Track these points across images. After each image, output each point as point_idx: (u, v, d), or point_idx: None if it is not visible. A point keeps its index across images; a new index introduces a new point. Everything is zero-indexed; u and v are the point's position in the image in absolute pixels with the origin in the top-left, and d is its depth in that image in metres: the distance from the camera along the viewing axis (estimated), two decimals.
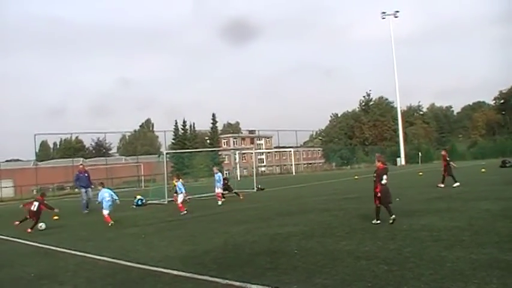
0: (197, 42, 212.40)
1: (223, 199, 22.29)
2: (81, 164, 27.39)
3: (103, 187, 17.36)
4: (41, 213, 16.85)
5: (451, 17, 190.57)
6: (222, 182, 22.91)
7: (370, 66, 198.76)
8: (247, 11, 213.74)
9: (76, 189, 25.15)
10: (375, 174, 12.26)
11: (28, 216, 16.78)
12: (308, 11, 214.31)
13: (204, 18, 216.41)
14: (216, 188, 22.50)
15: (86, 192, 24.48)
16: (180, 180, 20.81)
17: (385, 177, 12.07)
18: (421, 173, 35.91)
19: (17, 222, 16.89)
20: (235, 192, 24.64)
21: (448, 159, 22.86)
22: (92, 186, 24.72)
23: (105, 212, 16.63)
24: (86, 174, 25.13)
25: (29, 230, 16.13)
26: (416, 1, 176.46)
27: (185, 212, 18.49)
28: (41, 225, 16.49)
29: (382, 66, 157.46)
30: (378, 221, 11.97)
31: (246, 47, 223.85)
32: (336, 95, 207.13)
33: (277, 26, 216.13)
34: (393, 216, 11.73)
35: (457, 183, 21.14)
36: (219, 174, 23.21)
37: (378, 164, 12.65)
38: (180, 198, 19.65)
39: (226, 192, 24.15)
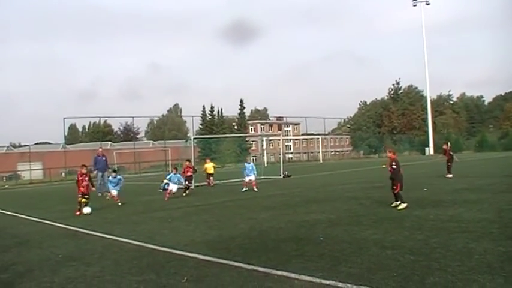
0: (227, 28, 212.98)
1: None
2: (100, 148, 27.74)
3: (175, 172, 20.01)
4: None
5: (483, 5, 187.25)
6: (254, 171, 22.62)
7: (401, 54, 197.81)
8: None
9: (95, 172, 25.39)
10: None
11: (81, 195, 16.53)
12: None
13: (235, 4, 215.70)
14: (248, 177, 22.36)
15: (102, 175, 24.86)
16: (175, 171, 21.46)
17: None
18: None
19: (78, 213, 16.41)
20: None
21: (451, 153, 24.29)
22: (109, 170, 25.07)
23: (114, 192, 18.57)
24: (104, 158, 25.59)
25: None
26: None
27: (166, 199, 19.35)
28: (87, 210, 16.37)
29: (413, 54, 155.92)
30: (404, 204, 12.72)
31: (276, 33, 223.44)
32: (366, 83, 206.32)
33: (308, 13, 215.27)
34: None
35: (451, 175, 22.45)
36: (252, 164, 23.18)
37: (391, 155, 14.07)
38: (174, 188, 20.31)
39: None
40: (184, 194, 21.24)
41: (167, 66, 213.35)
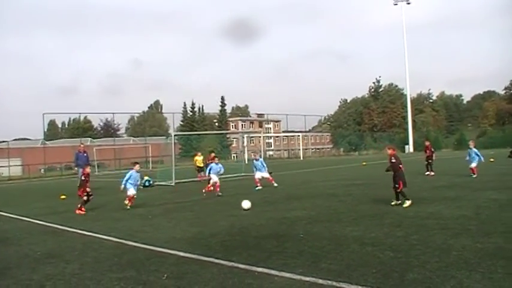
0: (209, 25, 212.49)
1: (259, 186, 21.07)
2: (81, 144, 27.52)
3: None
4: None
5: (464, 5, 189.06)
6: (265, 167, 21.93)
7: (382, 52, 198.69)
8: None
9: (76, 168, 25.22)
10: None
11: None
12: None
13: (218, 1, 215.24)
14: (259, 172, 21.68)
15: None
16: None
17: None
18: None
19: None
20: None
21: (433, 149, 24.52)
22: (90, 167, 24.85)
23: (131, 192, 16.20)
24: (85, 154, 25.35)
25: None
26: None
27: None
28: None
29: (394, 53, 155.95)
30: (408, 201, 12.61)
31: (258, 31, 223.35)
32: (347, 80, 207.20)
33: (290, 11, 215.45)
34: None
35: (432, 173, 22.89)
36: (261, 159, 22.37)
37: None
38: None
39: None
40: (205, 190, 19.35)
41: (149, 63, 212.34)
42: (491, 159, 31.19)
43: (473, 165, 20.00)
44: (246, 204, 13.73)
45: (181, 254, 8.21)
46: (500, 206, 11.73)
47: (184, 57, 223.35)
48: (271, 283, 6.22)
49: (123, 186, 16.18)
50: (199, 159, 28.31)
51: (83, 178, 16.46)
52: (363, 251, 7.63)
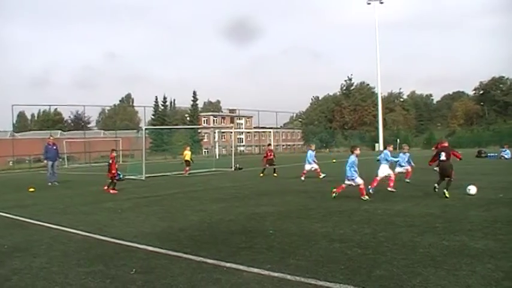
0: (183, 18, 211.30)
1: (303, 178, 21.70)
2: (50, 137, 27.14)
3: None
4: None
5: (436, 6, 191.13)
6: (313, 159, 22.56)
7: (355, 51, 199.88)
8: None
9: (45, 161, 24.96)
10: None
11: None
12: None
13: None
14: (308, 165, 22.33)
15: (52, 165, 24.38)
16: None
17: (443, 153, 14.01)
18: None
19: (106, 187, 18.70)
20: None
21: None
22: (60, 160, 24.64)
23: None
24: (55, 147, 25.04)
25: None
26: None
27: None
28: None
29: (366, 51, 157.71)
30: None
31: (232, 26, 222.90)
32: (319, 78, 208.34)
33: (263, 7, 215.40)
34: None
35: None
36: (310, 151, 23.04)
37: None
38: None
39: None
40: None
41: (121, 56, 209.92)
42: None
43: (399, 170, 19.34)
44: (473, 189, 13.91)
45: (150, 248, 8.16)
46: (466, 205, 11.92)
47: (156, 51, 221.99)
48: (240, 278, 6.22)
49: None
50: (188, 153, 28.36)
51: (112, 161, 19.07)
52: (332, 248, 7.69)
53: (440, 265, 6.40)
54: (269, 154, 25.62)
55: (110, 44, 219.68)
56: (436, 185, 14.08)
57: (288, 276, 6.16)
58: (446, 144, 14.79)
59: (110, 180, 18.66)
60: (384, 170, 16.06)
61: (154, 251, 7.99)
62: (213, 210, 12.69)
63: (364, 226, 9.45)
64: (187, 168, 27.67)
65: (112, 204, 15.03)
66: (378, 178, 15.67)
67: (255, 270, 6.53)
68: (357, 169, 13.76)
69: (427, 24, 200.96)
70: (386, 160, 16.37)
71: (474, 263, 6.46)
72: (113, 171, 18.81)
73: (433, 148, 24.56)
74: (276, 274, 6.29)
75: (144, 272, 6.66)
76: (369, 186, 14.84)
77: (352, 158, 13.80)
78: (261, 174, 24.76)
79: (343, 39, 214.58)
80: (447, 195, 13.15)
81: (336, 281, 5.92)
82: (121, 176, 25.32)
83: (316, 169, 22.23)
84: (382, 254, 7.09)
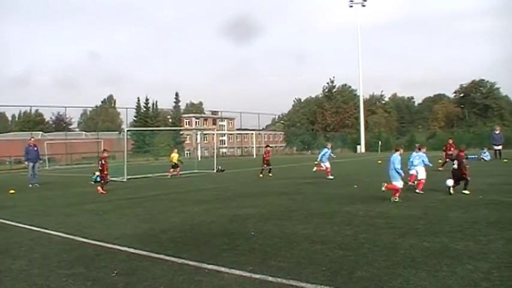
0: (167, 19, 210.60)
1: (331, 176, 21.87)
2: (31, 138, 26.92)
3: None
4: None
5: (418, 9, 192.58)
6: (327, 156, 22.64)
7: (337, 53, 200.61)
8: None
9: (26, 163, 24.85)
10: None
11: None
12: None
13: None
14: (323, 163, 22.40)
15: (33, 166, 24.21)
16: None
17: (456, 162, 14.95)
18: (380, 161, 36.30)
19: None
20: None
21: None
22: (41, 161, 24.49)
23: None
24: (36, 148, 24.86)
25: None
26: None
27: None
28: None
29: (349, 54, 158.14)
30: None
31: (215, 28, 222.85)
32: (301, 80, 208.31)
33: (247, 9, 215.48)
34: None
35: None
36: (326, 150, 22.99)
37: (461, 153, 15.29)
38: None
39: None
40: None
41: (104, 57, 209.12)
42: (440, 161, 31.92)
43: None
44: (450, 182, 14.59)
45: (132, 250, 8.13)
46: (447, 206, 12.03)
47: (139, 52, 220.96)
48: (221, 280, 6.23)
49: None
50: (175, 155, 28.30)
51: (105, 162, 19.28)
52: (313, 249, 7.72)
53: (421, 266, 6.46)
54: (266, 155, 26.39)
55: (92, 45, 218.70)
56: (450, 187, 14.39)
57: (270, 278, 6.18)
58: (463, 154, 15.23)
59: (102, 181, 19.16)
60: (422, 172, 16.26)
61: (136, 253, 7.96)
62: (195, 212, 12.67)
63: (345, 228, 9.49)
64: (177, 170, 27.67)
65: (93, 206, 14.93)
66: (423, 180, 15.81)
67: (237, 272, 6.54)
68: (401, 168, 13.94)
69: (409, 27, 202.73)
70: (423, 162, 16.68)
71: (454, 264, 6.53)
72: (105, 172, 19.18)
73: (443, 151, 26.00)
74: (257, 276, 6.30)
75: (125, 274, 6.64)
76: (416, 190, 15.31)
77: (398, 157, 14.11)
78: (261, 175, 25.08)
79: (326, 41, 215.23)
80: (467, 192, 14.13)
81: (317, 282, 5.95)
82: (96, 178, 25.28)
83: (327, 168, 22.35)
84: (363, 256, 7.13)
